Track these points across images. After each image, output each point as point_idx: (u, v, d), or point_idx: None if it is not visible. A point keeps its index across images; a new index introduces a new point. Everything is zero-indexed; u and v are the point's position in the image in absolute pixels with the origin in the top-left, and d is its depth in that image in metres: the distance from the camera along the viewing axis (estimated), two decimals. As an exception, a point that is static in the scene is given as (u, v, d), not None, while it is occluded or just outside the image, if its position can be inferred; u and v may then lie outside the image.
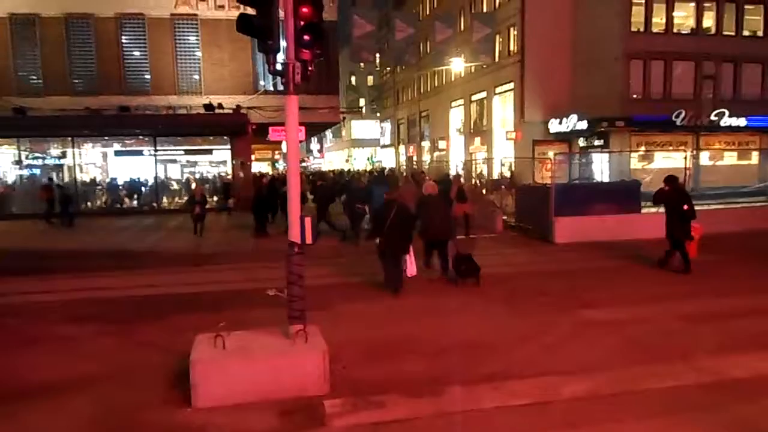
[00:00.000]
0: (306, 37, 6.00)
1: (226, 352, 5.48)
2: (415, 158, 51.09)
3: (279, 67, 6.04)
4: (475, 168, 30.99)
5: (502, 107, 35.32)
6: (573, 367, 6.06)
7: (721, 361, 6.14)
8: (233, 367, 5.37)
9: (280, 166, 39.77)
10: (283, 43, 6.04)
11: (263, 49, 5.95)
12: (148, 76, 24.12)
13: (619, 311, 8.06)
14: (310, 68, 6.11)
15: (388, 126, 64.77)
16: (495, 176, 29.75)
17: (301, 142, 30.16)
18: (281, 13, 5.98)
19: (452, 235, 10.54)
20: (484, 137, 36.79)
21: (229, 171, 25.47)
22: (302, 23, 6.00)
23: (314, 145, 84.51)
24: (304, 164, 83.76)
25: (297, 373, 5.44)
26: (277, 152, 40.35)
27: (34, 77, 23.46)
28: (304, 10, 5.99)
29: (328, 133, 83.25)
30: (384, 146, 67.18)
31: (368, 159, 70.39)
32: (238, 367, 5.38)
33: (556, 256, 12.65)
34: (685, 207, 10.22)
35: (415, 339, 7.00)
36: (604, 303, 8.51)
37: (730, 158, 29.29)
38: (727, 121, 28.45)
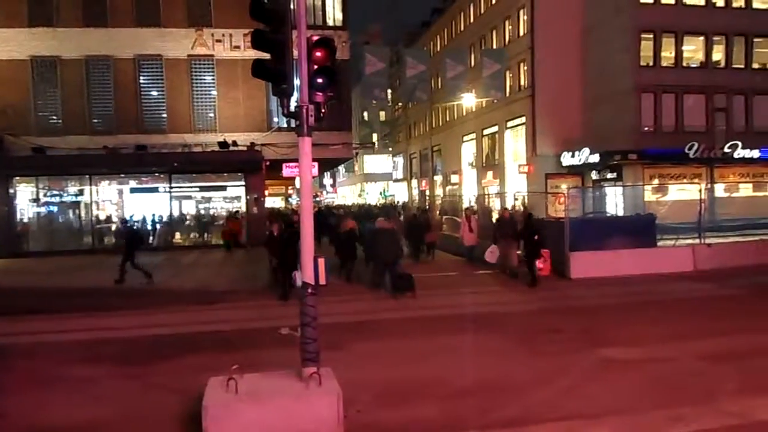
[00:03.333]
0: (319, 80, 6.08)
1: (238, 397, 5.40)
2: (427, 192, 51.16)
3: (293, 108, 6.11)
4: (488, 202, 30.89)
5: (514, 141, 35.44)
6: (594, 409, 5.89)
7: (746, 402, 5.95)
8: (246, 413, 5.28)
9: (294, 201, 39.88)
10: (296, 82, 6.10)
11: (278, 93, 6.03)
12: (164, 115, 24.45)
13: (638, 350, 7.89)
14: (323, 110, 6.18)
15: (400, 160, 65.16)
16: (508, 208, 29.71)
17: (314, 177, 30.26)
18: (295, 53, 6.06)
19: (398, 258, 12.62)
20: (497, 171, 36.84)
21: (243, 206, 25.60)
22: (315, 67, 6.10)
23: (327, 180, 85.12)
24: (317, 199, 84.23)
25: (311, 418, 5.34)
26: (290, 187, 40.56)
27: (54, 117, 23.81)
28: (318, 54, 6.08)
29: (341, 168, 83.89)
30: (396, 180, 67.42)
31: (381, 193, 70.61)
32: (251, 413, 5.29)
33: (572, 291, 12.47)
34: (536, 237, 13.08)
35: (431, 380, 6.87)
36: (623, 341, 8.33)
37: (746, 190, 28.86)
38: (740, 152, 28.25)
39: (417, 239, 17.35)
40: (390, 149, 70.52)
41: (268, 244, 13.08)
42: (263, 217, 23.97)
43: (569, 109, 30.89)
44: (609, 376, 6.89)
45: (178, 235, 25.30)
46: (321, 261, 6.22)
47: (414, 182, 58.13)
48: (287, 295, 11.65)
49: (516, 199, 29.98)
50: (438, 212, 30.18)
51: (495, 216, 18.84)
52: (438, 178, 50.50)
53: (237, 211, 24.98)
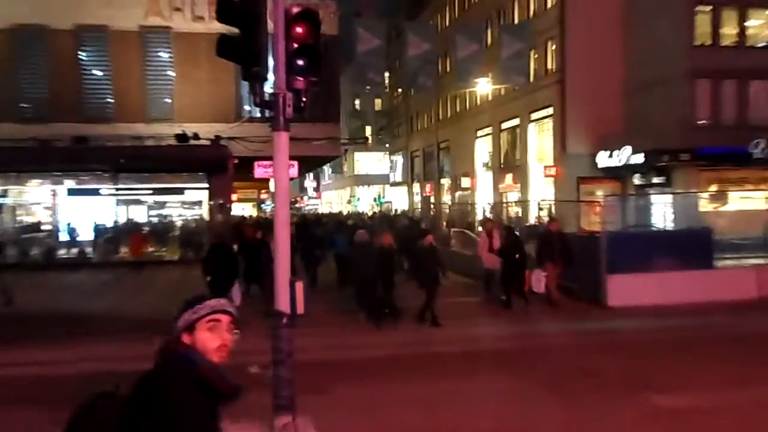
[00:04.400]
0: (300, 62, 6.11)
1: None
2: (432, 199, 51.31)
3: (267, 97, 6.13)
4: (507, 212, 31.01)
5: (539, 137, 35.63)
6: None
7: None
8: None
9: (268, 207, 39.90)
10: (272, 63, 6.16)
11: (249, 77, 6.03)
12: (110, 100, 24.47)
13: (692, 397, 7.85)
14: (304, 98, 6.21)
15: (399, 159, 65.51)
16: (531, 221, 29.75)
17: (292, 179, 30.30)
18: (271, 27, 6.09)
19: (389, 283, 12.75)
20: (518, 174, 37.01)
21: (206, 214, 25.58)
22: (295, 45, 6.10)
23: (309, 183, 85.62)
24: (296, 206, 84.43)
25: (284, 481, 5.30)
26: (263, 191, 40.60)
27: (-28, 102, 23.63)
28: (299, 30, 6.09)
29: (327, 168, 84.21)
30: (394, 184, 67.77)
31: (375, 200, 70.85)
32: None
33: (609, 324, 12.48)
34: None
35: (434, 434, 6.79)
36: (674, 386, 8.31)
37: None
38: (817, 152, 28.43)
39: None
40: (387, 146, 70.93)
41: (211, 259, 13.20)
42: (229, 225, 24.05)
43: (607, 99, 31.06)
44: (658, 430, 6.85)
45: (124, 249, 25.40)
46: (299, 286, 6.29)
47: (416, 187, 58.39)
48: None
49: (541, 209, 30.13)
50: (445, 224, 30.32)
51: (512, 226, 19.08)
52: (445, 182, 50.73)
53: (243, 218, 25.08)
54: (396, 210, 56.75)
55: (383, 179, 72.19)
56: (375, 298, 12.71)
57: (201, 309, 2.68)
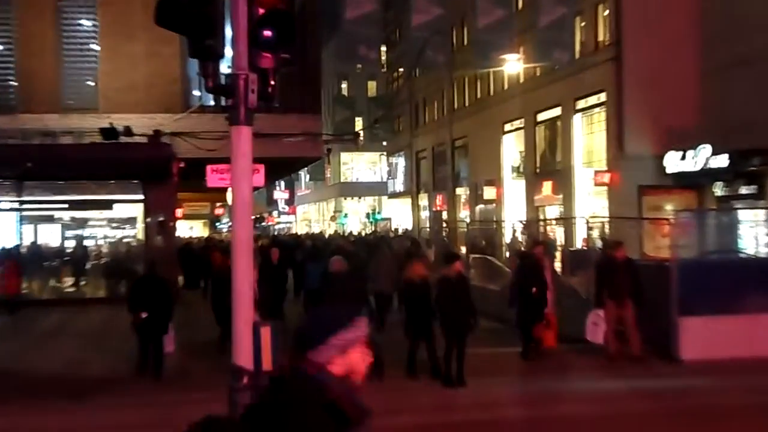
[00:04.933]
0: (267, 33, 6.14)
1: None
2: (445, 215, 51.34)
3: (223, 80, 6.24)
4: (545, 232, 31.00)
5: (587, 132, 35.83)
6: None
7: None
8: None
9: (224, 226, 39.95)
10: (230, 34, 6.24)
11: (198, 53, 6.10)
12: (12, 83, 24.60)
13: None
14: (272, 81, 6.30)
15: (400, 163, 65.76)
16: (578, 245, 29.72)
17: (258, 189, 30.33)
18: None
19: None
20: (559, 181, 37.13)
21: (141, 235, 25.70)
22: (261, 11, 6.14)
23: (280, 194, 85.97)
24: (262, 224, 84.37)
25: None
26: (218, 205, 40.62)
27: None
28: (266, -11, 6.17)
29: (303, 175, 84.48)
30: (394, 195, 67.93)
31: (368, 216, 71.02)
32: None
33: (682, 384, 12.41)
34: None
35: None
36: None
37: None
38: None
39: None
40: (384, 144, 71.25)
41: (136, 295, 13.57)
42: (173, 250, 24.10)
43: (678, 82, 31.15)
44: None
45: (31, 283, 25.28)
46: (265, 331, 6.28)
47: (423, 199, 58.51)
48: (153, 371, 13.04)
49: (590, 229, 30.17)
50: (463, 248, 30.25)
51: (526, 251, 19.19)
52: (462, 193, 50.86)
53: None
54: (396, 230, 56.88)
55: (379, 189, 72.61)
56: None
57: (360, 325, 3.01)
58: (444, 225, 47.32)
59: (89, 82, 25.08)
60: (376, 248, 24.46)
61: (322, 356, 2.91)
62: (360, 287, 14.09)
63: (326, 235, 47.01)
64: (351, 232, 54.58)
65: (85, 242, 27.10)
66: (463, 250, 27.43)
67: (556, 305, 15.43)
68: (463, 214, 49.61)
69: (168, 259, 23.23)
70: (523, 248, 26.72)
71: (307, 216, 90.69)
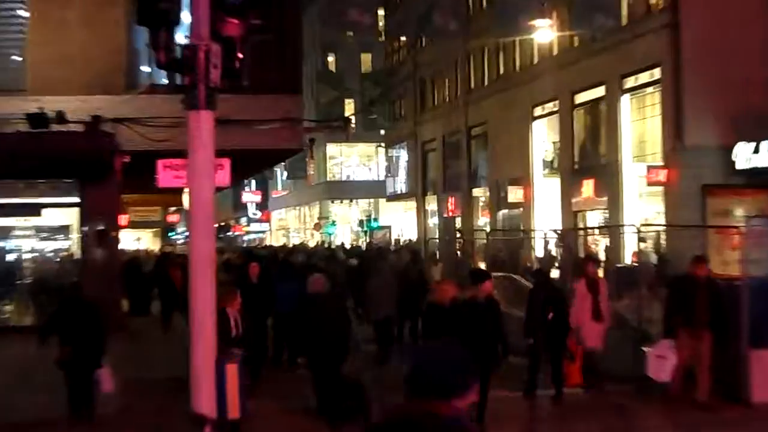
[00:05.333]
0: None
1: None
2: (459, 223, 51.23)
3: (178, 53, 6.33)
4: (586, 243, 30.96)
5: (638, 118, 35.89)
6: None
7: None
8: None
9: (179, 237, 39.86)
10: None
11: (147, 19, 6.12)
12: None
13: None
14: (240, 54, 6.36)
15: (402, 156, 65.69)
16: (627, 260, 29.80)
17: (221, 190, 30.39)
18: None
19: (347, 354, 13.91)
20: (602, 180, 37.17)
21: (77, 248, 25.75)
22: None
23: (250, 196, 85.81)
24: (227, 234, 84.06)
25: None
26: (172, 210, 40.52)
27: None
28: (231, -63, 6.20)
29: (280, 172, 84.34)
30: (395, 198, 67.86)
31: (362, 224, 70.87)
32: None
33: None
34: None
35: None
36: None
37: None
38: None
39: (411, 312, 19.50)
40: (382, 133, 71.13)
41: (56, 323, 13.88)
42: (116, 267, 24.27)
43: (750, 55, 31.19)
44: None
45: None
46: (230, 370, 6.41)
47: (431, 201, 58.49)
48: (85, 413, 13.31)
49: (642, 240, 30.11)
50: (483, 264, 30.16)
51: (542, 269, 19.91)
52: (481, 194, 50.95)
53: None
54: (398, 241, 56.70)
55: (375, 190, 72.59)
56: (339, 382, 13.23)
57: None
58: (458, 235, 47.35)
59: (14, 57, 25.09)
60: (373, 265, 24.61)
61: (465, 401, 3.45)
62: (342, 312, 14.51)
63: (307, 248, 46.81)
64: (342, 245, 54.31)
65: (8, 257, 27.11)
66: (482, 266, 27.46)
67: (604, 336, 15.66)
68: (482, 221, 49.78)
69: (109, 277, 23.47)
70: (537, 265, 26.95)
71: (285, 224, 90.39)
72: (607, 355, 15.66)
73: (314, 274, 16.05)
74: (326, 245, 55.74)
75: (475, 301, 13.04)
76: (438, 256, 35.30)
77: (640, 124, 35.84)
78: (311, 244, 60.11)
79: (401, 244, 49.39)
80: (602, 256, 31.63)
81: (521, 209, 44.22)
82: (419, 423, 3.28)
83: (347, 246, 53.38)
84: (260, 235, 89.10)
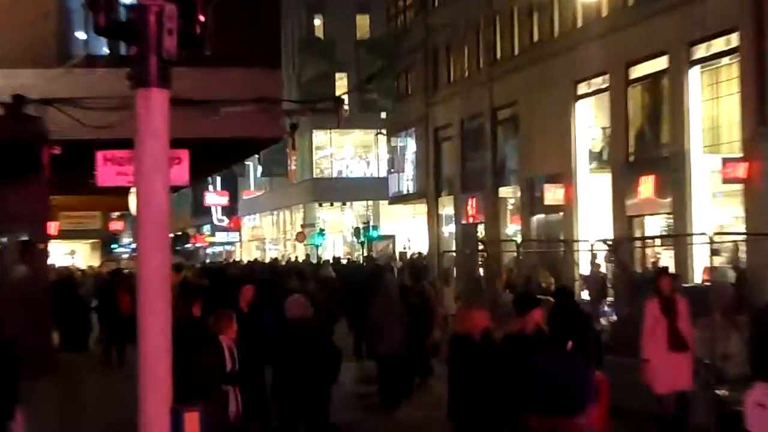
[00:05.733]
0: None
1: None
2: (482, 232, 50.87)
3: (122, 15, 6.36)
4: (644, 257, 30.73)
5: (711, 97, 35.82)
6: None
7: None
8: None
9: (125, 250, 39.77)
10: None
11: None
12: None
13: None
14: (201, 17, 6.66)
15: (409, 146, 65.45)
16: (697, 278, 29.95)
17: (178, 190, 29.91)
18: None
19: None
20: (666, 176, 37.13)
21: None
22: None
23: (215, 198, 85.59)
24: (186, 247, 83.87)
25: None
26: (115, 216, 40.51)
27: None
28: None
29: (252, 167, 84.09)
30: (399, 199, 67.48)
31: (358, 232, 70.26)
32: None
33: None
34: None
35: None
36: None
37: None
38: None
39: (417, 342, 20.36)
40: (383, 116, 70.51)
41: None
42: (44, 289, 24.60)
43: None
44: None
45: None
46: (189, 420, 6.70)
47: (447, 204, 58.40)
48: None
49: (716, 254, 29.89)
50: (505, 286, 30.65)
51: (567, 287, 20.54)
52: (510, 194, 50.83)
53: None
54: (404, 254, 56.33)
55: (375, 189, 72.48)
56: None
57: None
58: (480, 247, 46.84)
59: None
60: (374, 285, 24.57)
61: (587, 418, 4.50)
62: (328, 342, 15.56)
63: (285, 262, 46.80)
64: (335, 259, 53.95)
65: None
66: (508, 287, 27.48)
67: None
68: (511, 228, 49.71)
69: (34, 302, 23.67)
70: (553, 282, 26.70)
71: (259, 233, 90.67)
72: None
73: (293, 294, 16.78)
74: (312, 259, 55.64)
75: (523, 335, 13.03)
76: (454, 273, 35.06)
77: (712, 104, 35.75)
78: (293, 258, 60.03)
79: (409, 258, 49.05)
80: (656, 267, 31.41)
81: (561, 214, 43.78)
82: None
83: (341, 260, 52.96)
84: (228, 247, 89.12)
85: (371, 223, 71.46)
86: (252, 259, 65.64)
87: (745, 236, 29.78)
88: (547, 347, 13.09)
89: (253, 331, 16.76)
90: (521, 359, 12.60)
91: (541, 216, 46.08)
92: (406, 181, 66.30)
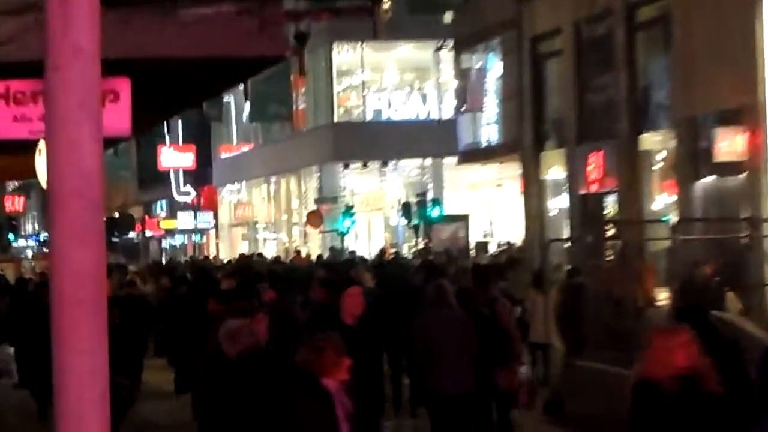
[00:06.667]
0: None
1: None
2: (612, 206, 41.67)
3: None
4: None
5: None
6: None
7: None
8: None
9: (31, 243, 38.03)
10: None
11: None
12: None
13: None
14: None
15: (491, 69, 53.34)
16: None
17: (117, 144, 31.37)
18: None
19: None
20: None
21: None
22: None
23: (175, 156, 72.34)
24: (128, 237, 74.65)
25: None
26: (12, 189, 35.70)
27: None
28: None
29: (233, 106, 70.80)
30: (471, 156, 55.83)
31: (407, 211, 58.94)
32: None
33: None
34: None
35: None
36: None
37: None
38: None
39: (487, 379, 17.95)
40: (446, 20, 55.87)
41: None
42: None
43: None
44: None
45: None
46: None
47: (553, 162, 47.80)
48: None
49: None
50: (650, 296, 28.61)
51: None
52: (657, 144, 41.76)
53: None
54: (485, 243, 49.34)
55: (435, 140, 58.31)
56: None
57: None
58: (607, 228, 38.14)
59: None
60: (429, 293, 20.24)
61: None
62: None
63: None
64: (378, 256, 45.82)
65: None
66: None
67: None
68: (661, 201, 40.04)
69: None
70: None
71: (246, 213, 72.67)
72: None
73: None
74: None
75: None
76: (541, 275, 28.73)
77: None
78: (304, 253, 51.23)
79: (499, 249, 40.46)
80: None
81: (743, 176, 34.54)
82: None
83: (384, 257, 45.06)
84: (197, 237, 76.77)
85: (430, 197, 58.49)
86: (236, 256, 54.21)
87: None
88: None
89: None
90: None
91: (711, 179, 36.63)
92: (487, 126, 53.22)
